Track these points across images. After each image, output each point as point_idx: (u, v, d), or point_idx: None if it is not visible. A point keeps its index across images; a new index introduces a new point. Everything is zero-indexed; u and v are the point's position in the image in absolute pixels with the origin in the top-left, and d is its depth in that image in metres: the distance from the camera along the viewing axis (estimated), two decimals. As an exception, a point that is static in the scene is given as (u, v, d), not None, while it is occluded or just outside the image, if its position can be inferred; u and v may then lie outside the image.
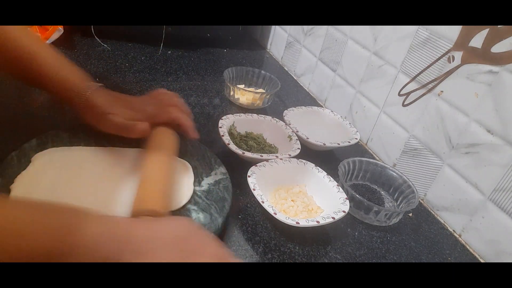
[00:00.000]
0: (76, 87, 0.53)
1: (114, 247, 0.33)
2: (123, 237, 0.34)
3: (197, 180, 0.55)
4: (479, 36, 0.58)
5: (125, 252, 0.33)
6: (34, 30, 0.84)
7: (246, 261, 0.49)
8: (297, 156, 0.63)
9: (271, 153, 0.65)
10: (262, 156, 0.61)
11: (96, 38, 0.92)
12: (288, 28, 1.08)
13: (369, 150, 0.80)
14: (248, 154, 0.61)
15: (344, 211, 0.54)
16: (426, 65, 0.67)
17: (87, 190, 0.49)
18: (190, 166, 0.57)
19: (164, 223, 0.39)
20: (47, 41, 0.85)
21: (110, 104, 0.54)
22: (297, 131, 0.70)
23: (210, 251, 0.37)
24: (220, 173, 0.57)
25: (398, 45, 0.72)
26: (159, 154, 0.52)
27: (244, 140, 0.68)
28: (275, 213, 0.51)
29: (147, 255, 0.34)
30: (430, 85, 0.67)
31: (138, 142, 0.59)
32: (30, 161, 0.50)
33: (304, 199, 0.58)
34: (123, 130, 0.54)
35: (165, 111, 0.58)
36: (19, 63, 0.53)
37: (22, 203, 0.33)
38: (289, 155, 0.63)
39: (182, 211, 0.49)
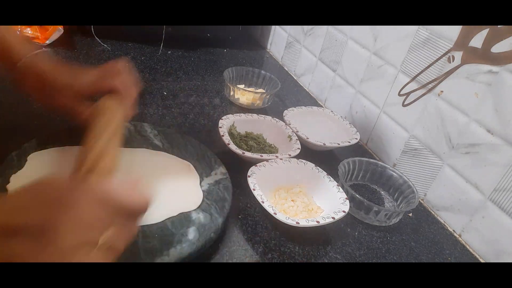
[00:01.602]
0: (17, 51, 0.48)
1: None
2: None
3: (197, 180, 0.55)
4: (479, 36, 0.58)
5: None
6: (34, 30, 0.84)
7: (246, 261, 0.49)
8: (297, 156, 0.63)
9: (271, 153, 0.65)
10: (262, 156, 0.61)
11: (96, 38, 0.92)
12: (288, 28, 1.08)
13: (369, 150, 0.80)
14: (248, 154, 0.61)
15: (344, 211, 0.54)
16: (426, 65, 0.67)
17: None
18: (195, 169, 0.56)
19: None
20: (47, 41, 0.86)
21: (52, 69, 0.50)
22: (297, 131, 0.70)
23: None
24: (220, 173, 0.57)
25: (398, 45, 0.72)
26: (104, 123, 0.47)
27: (244, 140, 0.68)
28: (275, 213, 0.51)
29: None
30: (430, 85, 0.67)
31: (139, 142, 0.59)
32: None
33: (304, 199, 0.58)
34: (67, 111, 0.51)
35: (108, 80, 0.52)
36: None
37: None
38: (289, 155, 0.63)
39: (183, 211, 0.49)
